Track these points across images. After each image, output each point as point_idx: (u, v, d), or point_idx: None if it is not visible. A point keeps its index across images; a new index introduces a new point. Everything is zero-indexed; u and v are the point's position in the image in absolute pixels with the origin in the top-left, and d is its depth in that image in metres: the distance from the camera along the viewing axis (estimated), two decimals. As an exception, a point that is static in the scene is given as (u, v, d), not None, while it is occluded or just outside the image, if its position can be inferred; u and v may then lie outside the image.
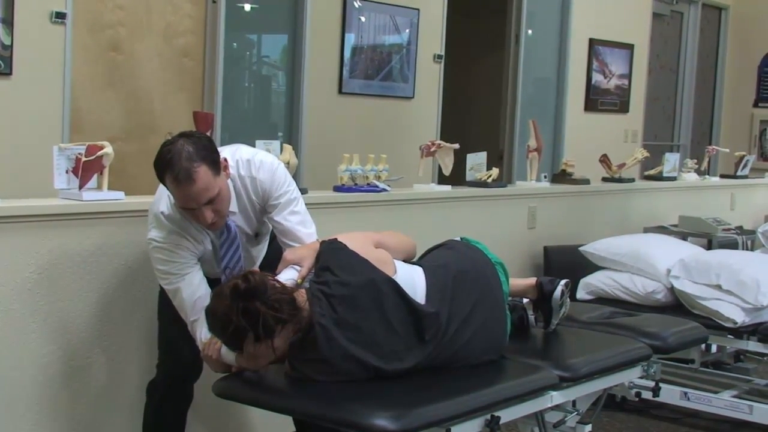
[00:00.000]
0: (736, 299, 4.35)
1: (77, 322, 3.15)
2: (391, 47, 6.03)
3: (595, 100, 7.76)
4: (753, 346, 4.45)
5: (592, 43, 7.64)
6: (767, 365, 5.34)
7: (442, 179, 4.91)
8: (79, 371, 3.18)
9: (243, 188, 2.91)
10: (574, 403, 3.03)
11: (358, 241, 2.76)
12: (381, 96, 5.96)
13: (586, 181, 5.64)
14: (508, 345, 2.93)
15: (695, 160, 6.77)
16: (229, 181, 2.84)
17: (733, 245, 5.74)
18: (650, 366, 3.24)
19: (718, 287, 4.41)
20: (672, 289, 4.59)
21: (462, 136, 4.95)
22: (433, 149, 4.51)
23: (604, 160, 5.91)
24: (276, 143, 3.69)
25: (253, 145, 3.32)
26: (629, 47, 8.04)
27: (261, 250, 3.16)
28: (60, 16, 4.27)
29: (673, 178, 6.41)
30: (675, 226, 6.01)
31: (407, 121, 6.10)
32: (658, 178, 6.35)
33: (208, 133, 3.41)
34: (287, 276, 2.70)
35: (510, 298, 3.04)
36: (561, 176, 5.65)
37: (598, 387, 3.09)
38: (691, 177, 6.60)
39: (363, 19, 5.80)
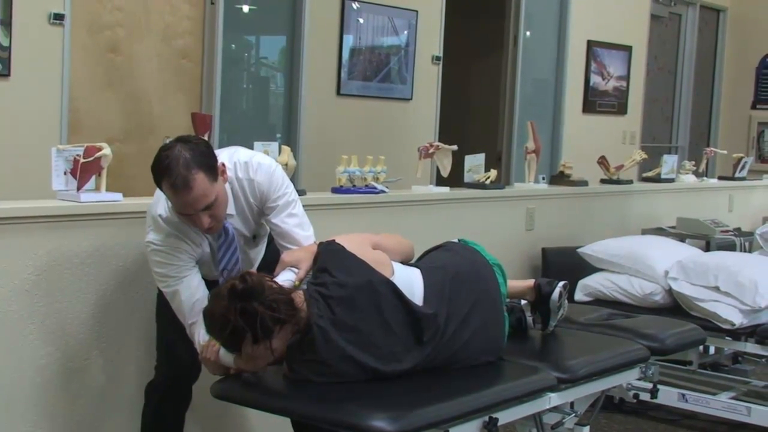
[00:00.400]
0: (734, 301, 4.36)
1: (75, 323, 3.15)
2: (390, 49, 6.04)
3: (594, 101, 7.77)
4: (751, 347, 4.46)
5: (591, 44, 7.65)
6: (765, 367, 5.34)
7: (440, 181, 4.91)
8: (78, 373, 3.18)
9: (241, 190, 2.91)
10: (572, 404, 3.03)
11: (355, 243, 2.76)
12: (379, 97, 5.97)
13: (584, 183, 5.64)
14: (507, 346, 2.93)
15: (693, 162, 6.77)
16: (226, 184, 2.84)
17: (731, 247, 5.75)
18: (648, 368, 3.24)
19: (716, 289, 4.41)
20: (670, 291, 4.59)
21: (460, 137, 4.94)
22: (431, 151, 4.51)
23: (602, 161, 5.92)
24: (274, 144, 3.69)
25: (252, 147, 3.32)
26: (627, 49, 8.05)
27: (259, 253, 3.17)
28: (58, 17, 4.28)
29: (671, 180, 6.42)
30: (673, 227, 6.02)
31: (405, 122, 6.11)
32: (656, 179, 6.35)
33: (206, 135, 3.42)
34: (284, 278, 2.70)
35: (508, 300, 3.04)
36: (559, 178, 5.65)
37: (596, 388, 3.09)
38: (689, 179, 6.60)
39: (361, 20, 5.81)
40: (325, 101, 5.64)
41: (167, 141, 2.77)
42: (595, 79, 7.74)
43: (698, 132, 9.46)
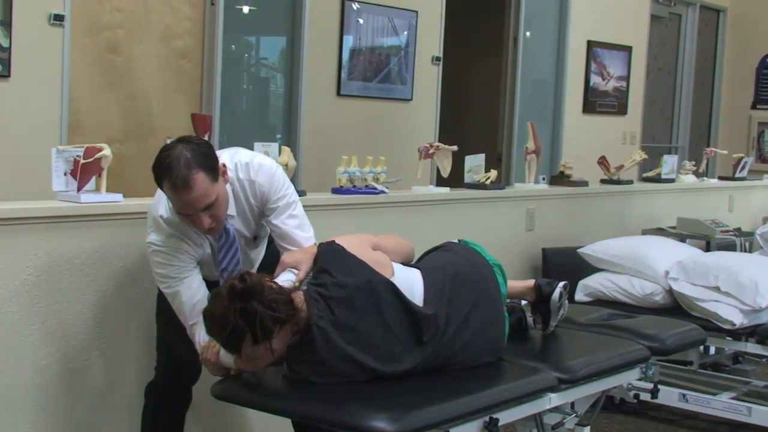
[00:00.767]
0: (734, 301, 4.36)
1: (75, 324, 3.15)
2: (390, 49, 6.04)
3: (594, 102, 7.77)
4: (751, 347, 4.47)
5: (591, 45, 7.65)
6: (765, 367, 5.34)
7: (440, 181, 4.91)
8: (78, 373, 3.18)
9: (242, 191, 2.91)
10: (572, 404, 3.03)
11: (355, 243, 2.76)
12: (379, 98, 5.97)
13: (585, 183, 5.64)
14: (507, 347, 2.93)
15: (693, 162, 6.77)
16: (227, 185, 2.84)
17: (731, 247, 5.75)
18: (649, 368, 3.25)
19: (717, 289, 4.41)
20: (670, 291, 4.59)
21: (460, 138, 4.94)
22: (431, 151, 4.51)
23: (603, 162, 5.92)
24: (274, 145, 3.69)
25: (252, 147, 3.32)
26: (627, 49, 8.05)
27: (259, 253, 3.17)
28: (58, 18, 4.27)
29: (672, 180, 6.42)
30: (673, 227, 6.02)
31: (405, 123, 6.11)
32: (657, 179, 6.35)
33: (207, 136, 3.42)
34: (284, 279, 2.70)
35: (508, 300, 3.04)
36: (559, 178, 5.65)
37: (597, 389, 3.09)
38: (690, 179, 6.60)
39: (361, 21, 5.80)
40: (325, 102, 5.64)
41: (168, 141, 2.77)
42: (595, 79, 7.74)
43: (698, 132, 9.46)
